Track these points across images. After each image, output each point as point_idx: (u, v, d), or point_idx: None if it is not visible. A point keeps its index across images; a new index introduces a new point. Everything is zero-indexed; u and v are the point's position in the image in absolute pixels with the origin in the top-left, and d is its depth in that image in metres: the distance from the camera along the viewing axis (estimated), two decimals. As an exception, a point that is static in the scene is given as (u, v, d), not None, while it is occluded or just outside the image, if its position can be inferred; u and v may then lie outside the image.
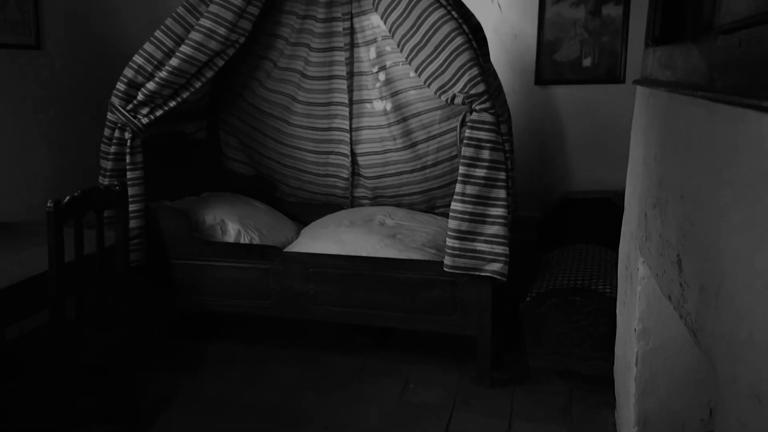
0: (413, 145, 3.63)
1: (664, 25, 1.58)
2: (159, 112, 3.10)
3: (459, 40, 2.67)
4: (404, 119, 3.61)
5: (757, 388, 0.83)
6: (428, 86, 2.81)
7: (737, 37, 1.02)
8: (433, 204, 3.76)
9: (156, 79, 3.02)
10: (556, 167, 3.98)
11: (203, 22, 3.00)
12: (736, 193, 0.95)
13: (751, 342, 0.87)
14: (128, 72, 3.04)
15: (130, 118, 3.05)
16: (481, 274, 2.79)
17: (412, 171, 3.68)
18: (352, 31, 3.54)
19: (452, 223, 2.77)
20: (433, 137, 3.59)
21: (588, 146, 3.89)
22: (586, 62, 3.78)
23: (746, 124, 0.90)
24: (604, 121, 3.80)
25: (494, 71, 3.14)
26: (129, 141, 3.06)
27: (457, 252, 2.77)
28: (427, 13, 2.72)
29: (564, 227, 3.69)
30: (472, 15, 2.93)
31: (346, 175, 3.82)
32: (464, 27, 2.71)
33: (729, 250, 0.97)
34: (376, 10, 2.91)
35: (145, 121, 3.07)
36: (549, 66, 3.83)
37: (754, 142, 0.87)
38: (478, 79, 2.65)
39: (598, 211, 3.53)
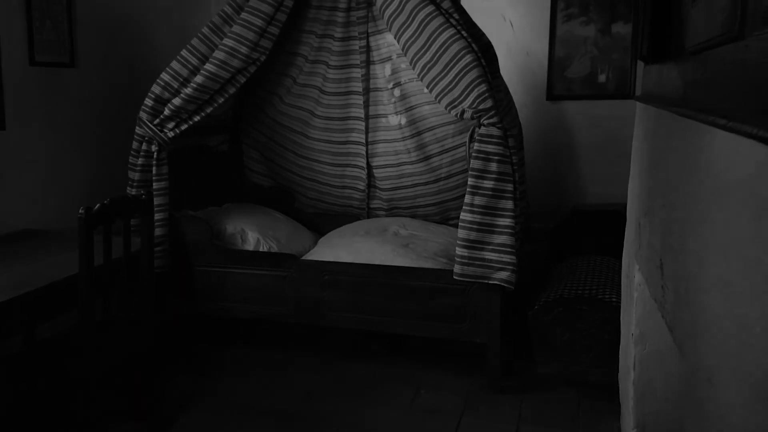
0: (427, 158, 3.74)
1: (653, 44, 1.68)
2: (184, 126, 3.27)
3: (468, 58, 2.78)
4: (418, 133, 3.73)
5: (709, 373, 0.92)
6: (439, 102, 2.93)
7: (702, 58, 1.12)
8: (447, 215, 3.85)
9: (182, 95, 3.19)
10: (567, 180, 4.06)
11: (227, 41, 3.16)
12: (694, 200, 1.05)
13: (706, 333, 0.96)
14: (156, 88, 3.21)
15: (157, 131, 3.22)
16: (490, 282, 2.88)
17: (426, 183, 3.79)
18: (368, 49, 3.68)
19: (461, 233, 2.87)
20: (447, 150, 3.70)
21: (598, 160, 3.97)
22: (601, 78, 3.87)
23: (701, 137, 1.00)
24: (613, 136, 3.87)
25: (505, 87, 3.24)
26: (155, 153, 3.23)
27: (466, 260, 2.87)
28: (437, 32, 2.85)
29: (574, 238, 3.77)
30: (482, 34, 3.04)
31: (362, 187, 3.95)
32: (473, 46, 2.83)
33: (692, 252, 1.06)
34: (390, 30, 3.05)
35: (171, 134, 3.24)
36: (560, 82, 3.93)
37: (705, 154, 0.97)
38: (486, 95, 2.77)
39: (607, 223, 3.60)
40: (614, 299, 2.87)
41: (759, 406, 0.64)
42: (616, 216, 3.62)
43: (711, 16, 0.99)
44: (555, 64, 3.91)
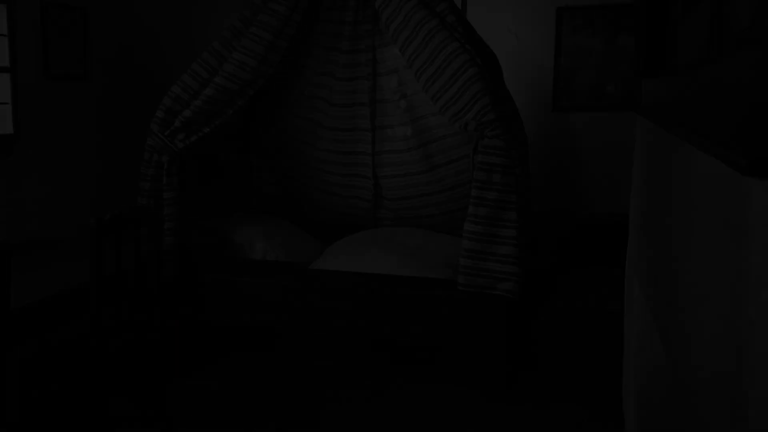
0: (433, 168, 3.77)
1: (648, 59, 1.71)
2: (194, 137, 3.33)
3: (471, 71, 2.82)
4: (424, 144, 3.76)
5: (689, 378, 0.95)
6: (443, 113, 2.97)
7: (687, 76, 1.15)
8: (454, 225, 3.87)
9: (192, 107, 3.25)
10: (573, 191, 4.08)
11: (236, 55, 3.22)
12: (680, 215, 1.07)
13: (690, 346, 0.98)
14: (167, 100, 3.28)
15: (168, 142, 3.28)
16: (494, 292, 2.90)
17: (432, 193, 3.81)
18: (374, 62, 3.73)
19: (465, 243, 2.90)
20: (453, 161, 3.73)
21: (604, 171, 3.98)
22: (608, 89, 3.89)
23: (687, 153, 1.02)
24: (619, 147, 3.88)
25: (510, 98, 3.27)
26: (166, 164, 3.29)
27: (470, 271, 2.89)
28: (442, 45, 2.89)
29: (579, 250, 3.78)
30: (486, 46, 3.08)
31: (368, 197, 3.98)
32: (477, 59, 2.87)
33: (677, 267, 1.09)
34: (395, 43, 3.09)
35: (181, 145, 3.30)
36: (566, 93, 3.96)
37: (690, 170, 0.99)
38: (490, 107, 2.80)
39: (613, 234, 3.61)
40: (619, 311, 2.88)
41: (732, 418, 0.66)
42: (622, 227, 3.63)
43: (694, 36, 1.02)
44: (560, 75, 3.94)
